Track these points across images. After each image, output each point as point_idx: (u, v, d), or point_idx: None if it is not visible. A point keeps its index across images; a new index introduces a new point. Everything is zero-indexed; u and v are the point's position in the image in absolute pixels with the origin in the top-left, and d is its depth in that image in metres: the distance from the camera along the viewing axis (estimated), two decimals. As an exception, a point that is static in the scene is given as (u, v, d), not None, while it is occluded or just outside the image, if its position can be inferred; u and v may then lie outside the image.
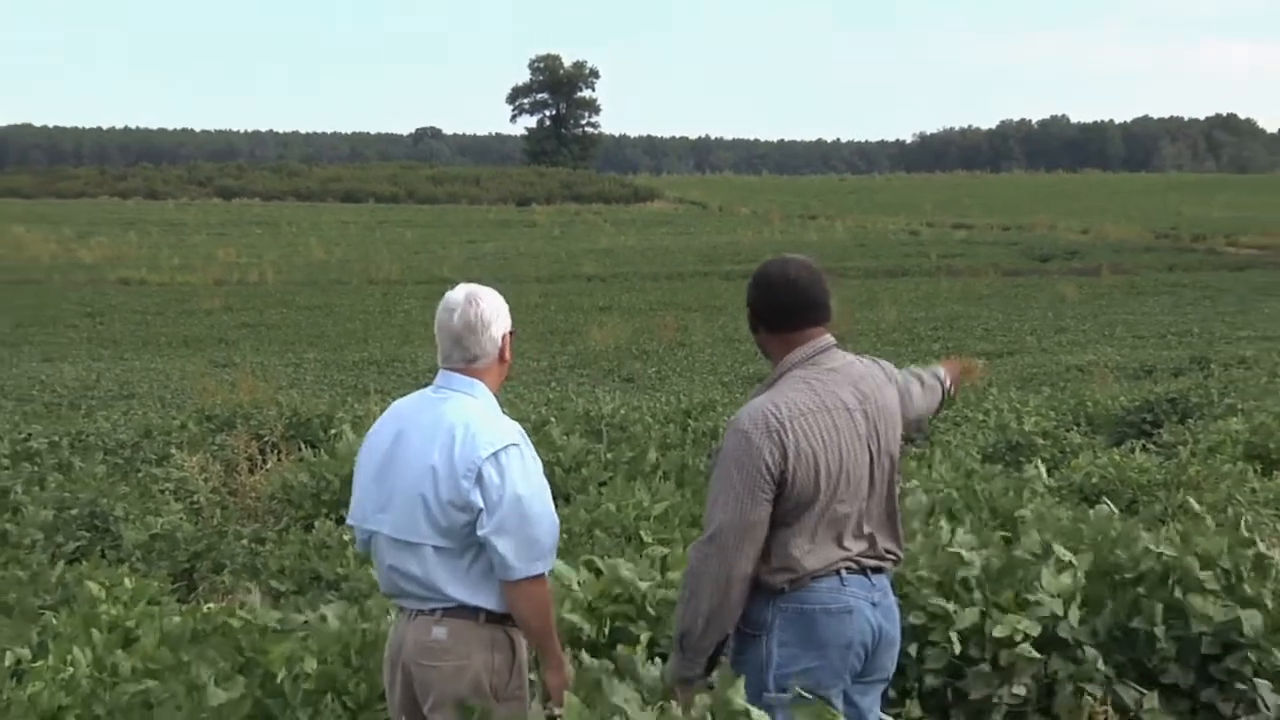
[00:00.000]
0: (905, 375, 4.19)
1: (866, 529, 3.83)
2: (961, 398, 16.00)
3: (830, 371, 3.82)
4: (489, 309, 4.04)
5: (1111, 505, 5.71)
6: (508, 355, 4.11)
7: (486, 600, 3.94)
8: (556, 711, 3.67)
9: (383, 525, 4.02)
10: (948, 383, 4.39)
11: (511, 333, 4.13)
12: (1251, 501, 8.52)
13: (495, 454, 3.88)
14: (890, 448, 3.88)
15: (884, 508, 3.89)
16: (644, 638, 4.73)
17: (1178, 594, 4.99)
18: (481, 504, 3.86)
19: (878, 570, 3.85)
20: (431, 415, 4.00)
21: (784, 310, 3.85)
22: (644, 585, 5.11)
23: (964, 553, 5.03)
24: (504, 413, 4.06)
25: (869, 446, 3.80)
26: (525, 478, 3.91)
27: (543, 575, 3.93)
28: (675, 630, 3.83)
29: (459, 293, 4.08)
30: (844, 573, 3.77)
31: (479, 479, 3.87)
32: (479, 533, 3.87)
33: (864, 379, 3.87)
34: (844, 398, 3.79)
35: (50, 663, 4.78)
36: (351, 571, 7.69)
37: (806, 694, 3.48)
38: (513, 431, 3.98)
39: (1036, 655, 4.73)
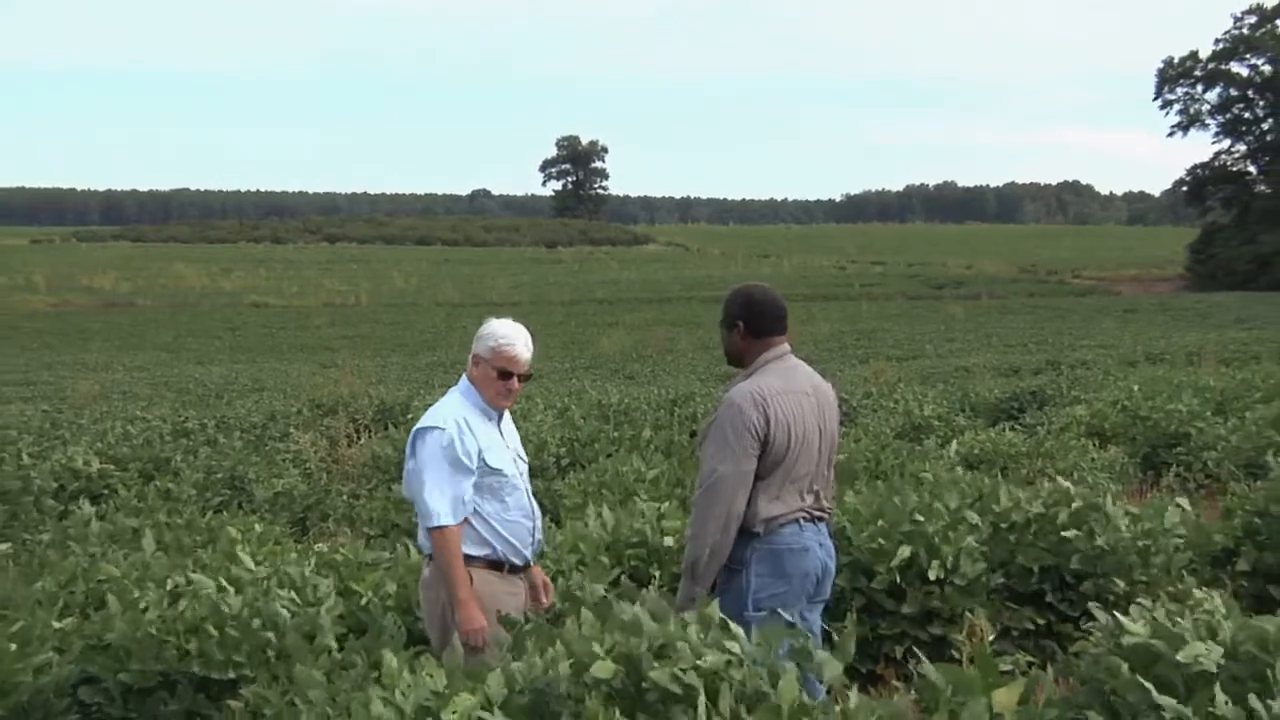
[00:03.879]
0: None
1: (815, 487, 3.81)
2: (876, 391, 15.94)
3: (792, 368, 3.83)
4: (479, 333, 3.94)
5: (1001, 473, 5.65)
6: (474, 370, 3.91)
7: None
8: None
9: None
10: None
11: (483, 358, 3.88)
12: (1091, 468, 8.51)
13: (421, 430, 3.82)
14: (832, 427, 3.86)
15: (827, 473, 3.87)
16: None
17: (1045, 537, 4.96)
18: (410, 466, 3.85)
19: (821, 520, 3.84)
20: None
21: (768, 320, 3.84)
22: (667, 540, 4.95)
23: (902, 507, 4.97)
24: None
25: (819, 424, 3.78)
26: (429, 455, 3.76)
27: (443, 529, 3.72)
28: (686, 560, 3.75)
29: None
30: (801, 521, 3.75)
31: (411, 447, 3.85)
32: None
33: (812, 375, 3.88)
34: (803, 386, 3.79)
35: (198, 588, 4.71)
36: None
37: (779, 613, 3.46)
38: (447, 418, 3.81)
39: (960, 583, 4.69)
